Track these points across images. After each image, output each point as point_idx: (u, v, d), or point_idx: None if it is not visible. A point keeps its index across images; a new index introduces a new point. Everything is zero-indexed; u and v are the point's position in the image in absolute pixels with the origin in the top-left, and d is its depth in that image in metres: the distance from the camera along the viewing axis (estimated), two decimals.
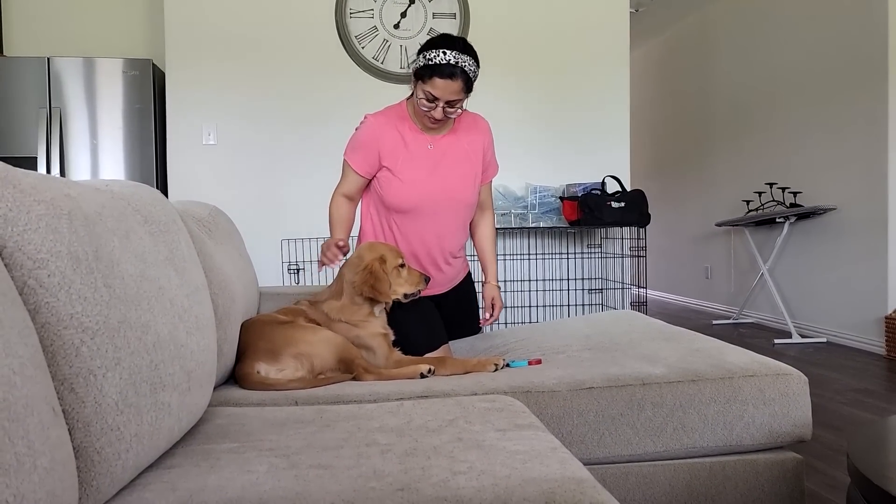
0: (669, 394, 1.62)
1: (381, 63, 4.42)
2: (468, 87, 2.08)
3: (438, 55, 2.02)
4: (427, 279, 2.03)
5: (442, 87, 2.04)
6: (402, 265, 2.00)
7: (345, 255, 2.10)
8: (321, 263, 2.11)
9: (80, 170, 4.26)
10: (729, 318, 5.72)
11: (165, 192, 4.30)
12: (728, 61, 6.00)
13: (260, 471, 1.05)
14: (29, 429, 0.68)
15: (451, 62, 2.02)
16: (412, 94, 2.23)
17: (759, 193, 5.34)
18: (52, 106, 4.20)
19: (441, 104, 2.08)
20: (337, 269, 2.16)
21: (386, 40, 4.42)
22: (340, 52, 4.40)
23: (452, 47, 2.03)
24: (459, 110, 2.14)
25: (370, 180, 2.24)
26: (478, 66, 2.09)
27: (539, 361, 1.89)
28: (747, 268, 5.74)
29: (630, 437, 1.60)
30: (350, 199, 2.27)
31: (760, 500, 1.65)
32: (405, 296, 1.99)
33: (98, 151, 4.28)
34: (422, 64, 2.05)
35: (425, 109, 2.10)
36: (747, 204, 5.51)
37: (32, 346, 0.76)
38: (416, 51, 2.11)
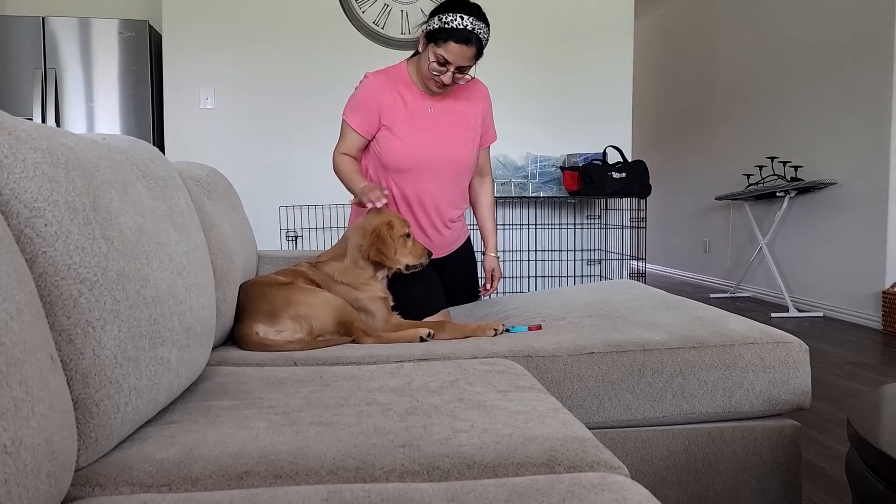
0: (670, 360, 1.62)
1: (382, 28, 4.35)
2: (479, 53, 2.08)
3: (456, 19, 2.00)
4: (430, 254, 2.02)
5: (456, 52, 2.02)
6: (408, 235, 1.99)
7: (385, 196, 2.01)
8: (364, 202, 1.96)
9: (75, 131, 4.22)
10: (726, 292, 5.73)
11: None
12: (731, 33, 5.93)
13: (260, 427, 1.04)
14: (27, 374, 0.67)
15: (469, 28, 2.00)
16: (414, 55, 2.20)
17: (760, 167, 5.31)
18: (48, 66, 4.14)
19: (452, 69, 2.06)
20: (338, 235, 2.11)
21: (387, 5, 4.35)
22: (340, 17, 4.33)
23: (469, 13, 2.02)
24: (468, 76, 2.12)
25: (369, 141, 2.21)
26: (489, 34, 2.08)
27: (539, 327, 1.88)
28: (746, 242, 5.73)
29: (630, 403, 1.60)
30: (351, 158, 2.24)
31: (758, 465, 1.66)
32: (407, 266, 1.97)
33: (94, 113, 4.24)
34: (437, 26, 2.03)
35: (435, 73, 2.08)
36: (747, 178, 5.48)
37: (29, 292, 0.74)
38: (430, 12, 2.08)
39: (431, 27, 2.05)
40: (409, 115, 2.17)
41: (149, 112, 4.29)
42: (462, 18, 2.00)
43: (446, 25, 2.01)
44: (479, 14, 2.04)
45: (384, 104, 2.15)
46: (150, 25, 4.26)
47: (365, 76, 2.21)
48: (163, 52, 4.26)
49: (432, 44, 2.05)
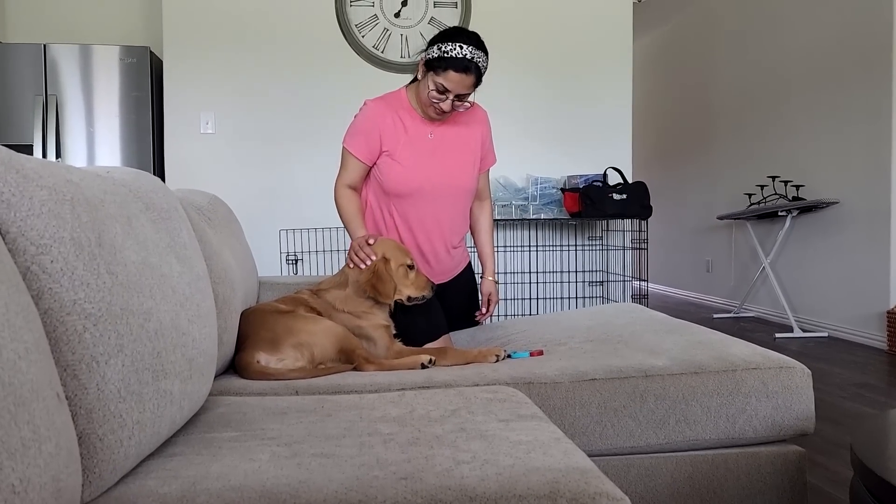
0: (672, 386, 1.63)
1: (382, 52, 4.41)
2: (478, 81, 2.12)
3: (455, 48, 2.03)
4: (433, 286, 2.03)
5: (456, 81, 2.06)
6: (411, 266, 2.00)
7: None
8: (353, 264, 2.00)
9: (76, 158, 4.25)
10: (730, 311, 5.74)
11: (162, 182, 4.29)
12: (730, 52, 5.99)
13: (262, 459, 1.05)
14: (34, 413, 0.68)
15: (468, 57, 2.04)
16: (413, 81, 2.24)
17: (762, 186, 5.34)
18: (49, 93, 4.19)
19: (451, 97, 2.10)
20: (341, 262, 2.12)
21: (386, 29, 4.41)
22: (340, 41, 4.39)
23: (468, 42, 2.06)
24: (468, 104, 2.16)
25: (371, 168, 2.24)
26: (488, 62, 2.12)
27: (541, 353, 1.90)
28: (749, 261, 5.75)
29: (632, 429, 1.61)
30: (354, 189, 2.26)
31: (762, 492, 1.66)
32: (409, 299, 1.98)
33: (94, 139, 4.28)
34: (436, 55, 2.06)
35: (435, 101, 2.11)
36: (749, 197, 5.51)
37: (37, 330, 0.76)
38: (429, 40, 2.13)
39: (431, 56, 2.08)
40: (410, 141, 2.20)
41: (149, 137, 4.33)
42: (461, 48, 2.03)
43: (445, 55, 2.04)
44: (477, 43, 2.08)
45: (385, 130, 2.18)
46: (151, 52, 4.31)
47: (365, 103, 2.24)
48: (164, 77, 4.31)
49: (431, 72, 2.09)
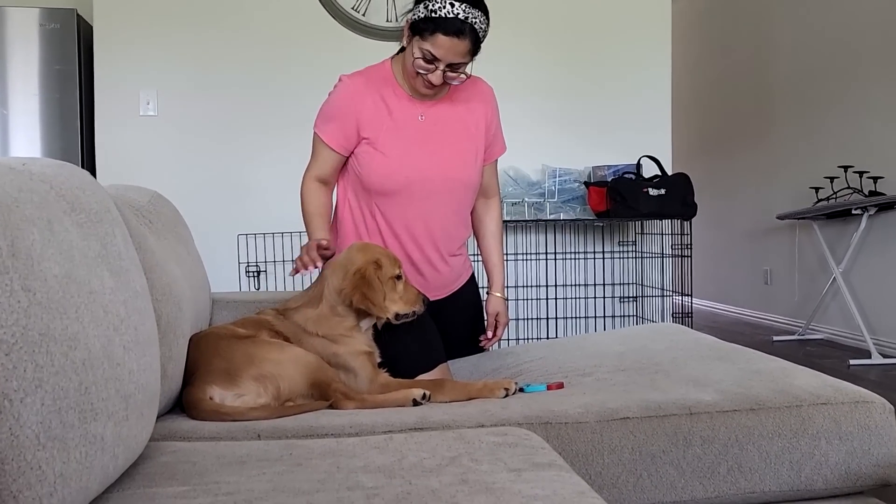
0: (723, 426, 1.63)
1: (363, 15, 4.43)
2: (476, 48, 2.11)
3: (445, 6, 2.03)
4: (426, 300, 2.04)
5: (446, 47, 2.05)
6: (399, 277, 2.01)
7: (327, 258, 2.08)
8: (296, 269, 2.07)
9: None
10: (793, 333, 5.74)
11: (93, 174, 4.28)
12: (791, 17, 6.01)
13: None
14: None
15: (461, 17, 2.03)
16: (400, 51, 2.24)
17: (831, 179, 5.34)
18: None
19: (442, 66, 2.09)
20: (313, 276, 2.14)
21: None
22: (313, 4, 4.40)
23: None
24: (462, 76, 2.16)
25: (347, 158, 2.24)
26: (488, 24, 2.11)
27: (561, 385, 1.90)
28: (816, 271, 5.75)
29: (674, 480, 1.61)
30: (325, 182, 2.27)
31: None
32: (397, 315, 1.99)
33: (8, 123, 4.28)
34: (422, 15, 2.06)
35: (422, 72, 2.11)
36: (816, 192, 5.52)
37: None
38: None
39: (416, 16, 2.08)
40: (395, 126, 2.20)
41: (77, 120, 4.33)
42: (452, 6, 2.02)
43: (433, 14, 2.04)
44: (474, 0, 2.07)
45: (364, 112, 2.18)
46: (78, 15, 4.32)
47: (340, 79, 2.24)
48: (94, 46, 4.31)
49: (417, 36, 2.09)
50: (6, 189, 1.03)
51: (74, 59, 4.31)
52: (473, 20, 2.05)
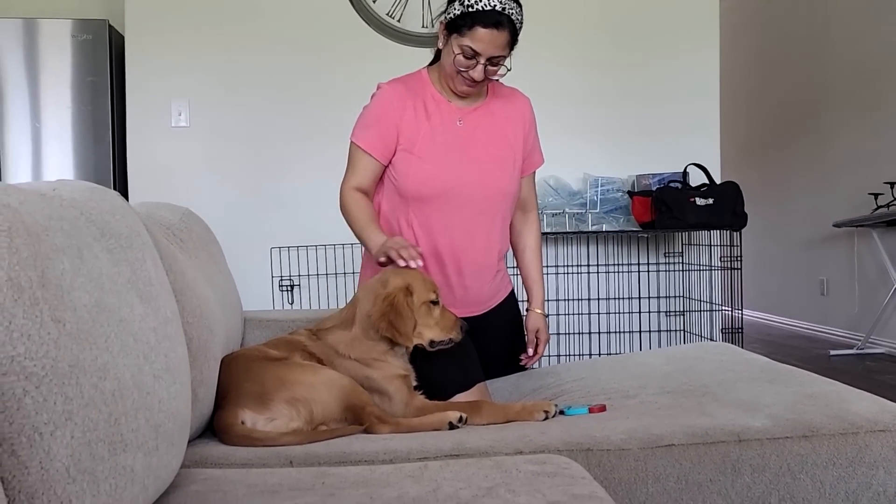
0: (774, 454, 1.61)
1: (398, 21, 4.45)
2: (514, 40, 2.16)
3: (481, 0, 2.07)
4: (464, 327, 2.03)
5: (486, 40, 2.10)
6: (436, 302, 2.01)
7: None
8: (390, 258, 2.01)
9: (17, 160, 4.34)
10: (852, 346, 5.65)
11: (125, 187, 4.37)
12: (850, 14, 5.92)
13: None
14: None
15: (497, 8, 2.08)
16: (433, 62, 2.27)
17: (891, 185, 5.26)
18: None
19: (482, 61, 2.14)
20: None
21: None
22: (346, 10, 4.43)
23: None
24: (503, 70, 2.20)
25: (385, 167, 2.26)
26: (523, 15, 2.17)
27: (603, 408, 1.88)
28: (876, 281, 5.65)
29: None
30: (364, 193, 2.27)
31: None
32: (431, 343, 1.99)
33: (41, 136, 4.37)
34: (458, 12, 2.11)
35: (463, 69, 2.15)
36: (876, 198, 5.43)
37: None
38: None
39: (452, 14, 2.14)
40: (433, 130, 2.23)
41: (109, 132, 4.40)
42: None
43: (470, 9, 2.09)
44: None
45: (405, 118, 2.22)
46: (110, 25, 4.40)
47: (378, 87, 2.28)
48: (126, 57, 4.39)
49: (455, 34, 2.14)
50: (36, 217, 1.05)
51: (106, 70, 4.38)
52: (510, 11, 2.10)
